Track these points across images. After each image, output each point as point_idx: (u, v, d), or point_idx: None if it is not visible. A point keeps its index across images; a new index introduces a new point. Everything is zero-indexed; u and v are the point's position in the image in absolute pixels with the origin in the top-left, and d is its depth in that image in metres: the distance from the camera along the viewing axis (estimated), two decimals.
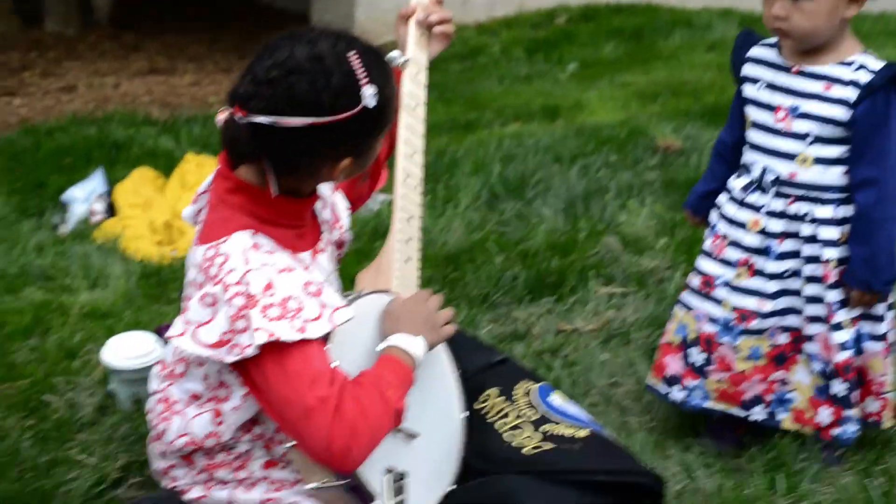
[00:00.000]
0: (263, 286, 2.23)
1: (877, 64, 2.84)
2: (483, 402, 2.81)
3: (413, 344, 2.44)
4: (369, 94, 2.28)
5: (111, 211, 4.97)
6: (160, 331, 3.43)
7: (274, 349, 2.23)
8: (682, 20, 8.20)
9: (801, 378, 3.01)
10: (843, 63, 2.86)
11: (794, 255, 2.94)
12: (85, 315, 3.81)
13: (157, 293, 4.07)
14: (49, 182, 5.34)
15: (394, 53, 2.75)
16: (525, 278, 4.02)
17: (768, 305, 2.97)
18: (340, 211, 2.68)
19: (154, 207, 4.92)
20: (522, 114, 6.33)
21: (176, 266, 4.40)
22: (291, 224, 2.43)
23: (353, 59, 2.29)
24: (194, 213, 2.57)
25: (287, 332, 2.21)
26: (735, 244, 3.00)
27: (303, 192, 2.42)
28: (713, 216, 3.08)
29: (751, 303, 2.98)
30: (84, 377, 3.39)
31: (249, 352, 2.22)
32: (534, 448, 2.66)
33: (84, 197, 4.99)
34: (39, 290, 4.06)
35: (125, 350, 3.24)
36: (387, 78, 2.36)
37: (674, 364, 3.11)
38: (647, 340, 3.63)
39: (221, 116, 2.31)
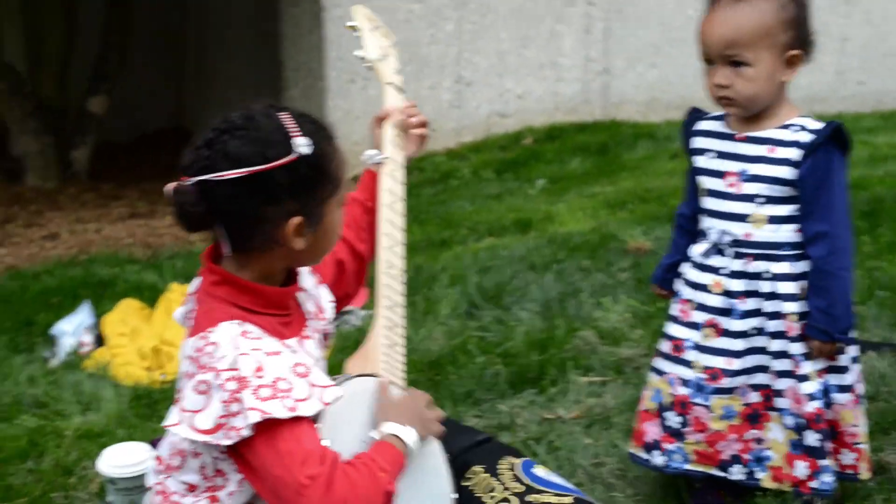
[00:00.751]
0: (254, 369, 2.32)
1: (816, 124, 3.00)
2: (469, 478, 2.89)
3: (405, 432, 2.51)
4: (301, 143, 2.38)
5: (99, 341, 5.05)
6: (154, 443, 3.51)
7: (266, 429, 2.30)
8: (645, 133, 8.40)
9: (775, 435, 3.10)
10: (784, 126, 3.02)
11: (757, 312, 3.06)
12: (80, 436, 3.87)
13: (148, 413, 4.15)
14: (37, 320, 5.41)
15: (371, 151, 2.91)
16: (506, 374, 4.12)
17: (736, 363, 3.07)
18: (324, 304, 2.76)
19: (141, 335, 5.02)
20: (495, 229, 6.47)
21: (166, 388, 4.49)
22: (276, 312, 2.51)
23: (284, 116, 2.42)
24: (184, 313, 2.66)
25: (279, 410, 2.29)
26: (700, 306, 3.11)
27: (275, 272, 2.50)
28: (678, 284, 3.21)
29: (719, 361, 3.08)
30: (81, 491, 3.45)
31: (244, 433, 2.30)
32: None
33: (72, 330, 5.08)
34: (33, 416, 4.13)
35: (120, 459, 3.30)
36: (322, 136, 2.44)
37: (652, 430, 3.20)
38: (628, 423, 3.71)
39: (170, 187, 2.41)
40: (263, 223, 2.41)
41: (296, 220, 2.40)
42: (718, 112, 3.16)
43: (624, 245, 5.61)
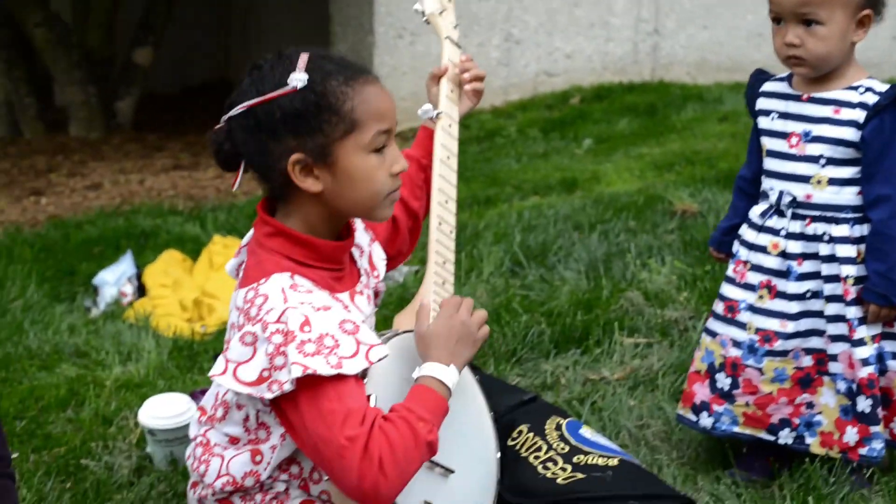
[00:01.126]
0: (300, 323, 2.28)
1: (882, 86, 2.96)
2: (515, 438, 2.86)
3: (446, 373, 2.46)
4: (296, 78, 2.37)
5: (141, 292, 5.05)
6: (194, 395, 3.49)
7: (309, 386, 2.27)
8: (694, 95, 8.30)
9: (826, 400, 3.05)
10: (850, 87, 2.97)
11: (814, 275, 3.01)
12: (119, 386, 3.86)
13: (188, 364, 4.13)
14: (79, 269, 5.42)
15: (426, 106, 2.85)
16: (550, 334, 4.06)
17: (790, 326, 3.02)
18: (377, 261, 2.73)
19: (183, 287, 5.00)
20: (541, 188, 6.41)
21: (206, 340, 4.47)
22: (329, 266, 2.48)
23: (300, 56, 2.41)
24: (236, 265, 2.63)
25: (322, 366, 2.26)
26: (756, 268, 3.07)
27: (315, 222, 2.46)
28: (735, 246, 3.15)
29: (773, 324, 3.03)
30: (121, 441, 3.43)
31: (287, 387, 2.27)
32: (567, 478, 2.70)
33: (114, 280, 5.08)
34: (73, 366, 4.12)
35: (160, 410, 3.29)
36: (336, 75, 2.40)
37: (702, 391, 3.16)
38: (673, 386, 3.66)
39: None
40: (272, 161, 2.40)
41: (295, 156, 2.38)
42: (783, 73, 3.11)
43: (671, 207, 5.53)
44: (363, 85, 2.42)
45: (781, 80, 3.11)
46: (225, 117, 2.43)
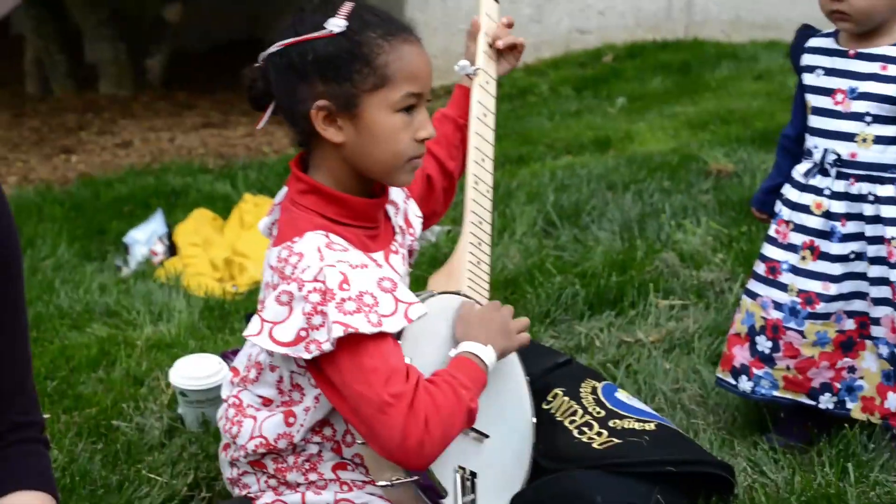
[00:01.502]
0: (339, 282, 2.25)
1: None
2: (550, 401, 2.82)
3: (485, 351, 2.45)
4: (334, 23, 2.33)
5: (172, 251, 5.03)
6: (225, 356, 3.47)
7: (350, 344, 2.24)
8: (728, 53, 8.22)
9: (869, 365, 3.00)
10: None
11: (858, 236, 2.95)
12: (150, 346, 3.84)
13: (220, 325, 4.11)
14: (110, 228, 5.41)
15: (463, 62, 2.80)
16: (584, 295, 4.01)
17: (833, 288, 2.97)
18: (413, 219, 2.69)
19: (214, 246, 4.98)
20: (574, 147, 6.35)
21: (238, 300, 4.45)
22: (363, 224, 2.45)
23: (343, 4, 2.38)
24: (269, 224, 2.59)
25: (364, 325, 2.22)
26: (799, 228, 3.01)
27: (341, 176, 2.42)
28: (777, 205, 3.10)
29: (815, 286, 2.98)
30: (152, 402, 3.42)
31: (326, 347, 2.24)
32: (603, 443, 2.66)
33: (145, 239, 5.06)
34: (104, 325, 4.11)
35: (192, 371, 3.27)
36: (374, 27, 2.37)
37: (741, 354, 3.11)
38: (710, 349, 3.62)
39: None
40: (299, 104, 2.36)
41: (320, 101, 2.34)
42: (830, 30, 3.04)
43: (705, 166, 5.47)
44: (401, 42, 2.38)
45: (828, 35, 3.04)
46: (262, 55, 2.40)
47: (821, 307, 2.98)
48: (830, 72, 2.99)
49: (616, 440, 2.67)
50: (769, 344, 3.05)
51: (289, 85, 2.37)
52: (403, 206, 2.66)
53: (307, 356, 2.27)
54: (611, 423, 2.72)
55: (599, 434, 2.69)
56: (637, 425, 2.71)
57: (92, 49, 9.16)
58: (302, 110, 2.36)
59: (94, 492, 2.91)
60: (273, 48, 2.38)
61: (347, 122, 2.36)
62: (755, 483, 2.86)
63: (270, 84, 2.40)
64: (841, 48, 2.98)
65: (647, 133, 6.46)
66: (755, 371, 3.08)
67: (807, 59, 3.05)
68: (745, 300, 3.13)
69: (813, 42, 3.06)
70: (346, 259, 2.29)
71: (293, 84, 2.36)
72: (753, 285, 3.11)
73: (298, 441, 2.46)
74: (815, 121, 3.01)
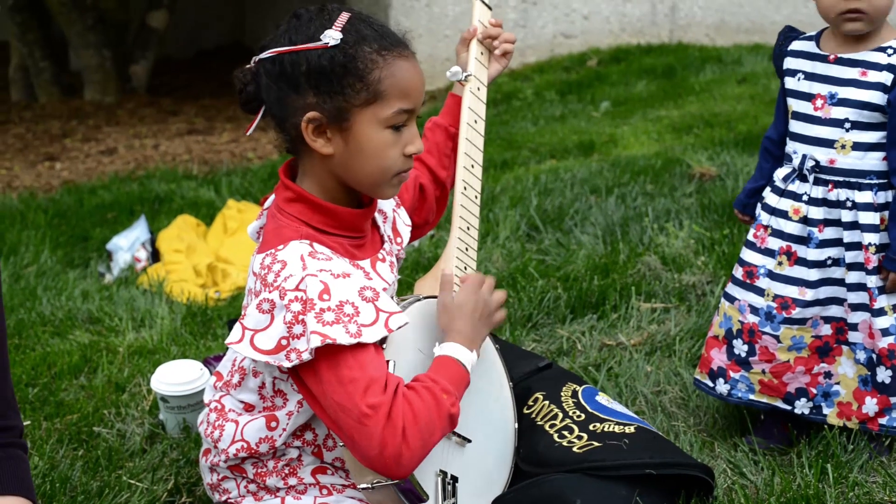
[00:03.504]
0: (319, 291, 2.24)
1: None
2: (531, 406, 2.83)
3: (467, 356, 2.43)
4: (329, 35, 2.31)
5: (155, 258, 5.02)
6: (208, 362, 3.47)
7: (329, 354, 2.23)
8: (713, 57, 8.23)
9: (845, 370, 3.00)
10: (879, 49, 2.89)
11: (835, 242, 2.95)
12: (132, 353, 3.83)
13: (202, 331, 4.10)
14: (93, 235, 5.40)
15: (455, 69, 2.80)
16: (567, 299, 4.02)
17: (809, 294, 2.96)
18: (401, 228, 2.69)
19: (197, 252, 4.98)
20: (558, 151, 6.36)
21: (220, 306, 4.44)
22: (349, 234, 2.44)
23: (340, 13, 2.37)
24: (257, 228, 2.59)
25: (342, 336, 2.22)
26: (777, 233, 3.01)
27: (328, 185, 2.41)
28: (757, 209, 3.10)
29: (791, 291, 2.97)
30: (133, 408, 3.41)
31: (306, 356, 2.23)
32: (583, 446, 2.66)
33: (128, 245, 5.05)
34: (86, 332, 4.10)
35: (173, 377, 3.26)
36: (370, 41, 2.35)
37: (719, 357, 3.11)
38: (691, 351, 3.62)
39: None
40: (289, 113, 2.36)
41: (311, 113, 2.32)
42: (813, 32, 3.03)
43: (689, 170, 5.48)
44: (396, 58, 2.36)
45: (810, 38, 3.03)
46: (255, 59, 2.39)
47: (797, 312, 2.98)
48: (811, 76, 2.97)
49: (596, 443, 2.67)
50: (745, 347, 3.06)
51: (280, 93, 2.36)
52: (392, 215, 2.66)
53: (288, 364, 2.27)
54: (591, 427, 2.72)
55: (580, 437, 2.69)
56: (617, 428, 2.72)
57: (77, 56, 9.17)
58: (292, 119, 2.36)
59: (75, 498, 2.90)
60: (266, 54, 2.36)
61: (337, 134, 2.35)
62: (735, 484, 2.86)
63: (261, 89, 2.39)
64: (821, 52, 2.97)
65: (631, 137, 6.47)
66: (732, 374, 3.09)
67: (789, 63, 3.04)
68: (724, 303, 3.13)
69: (795, 45, 3.04)
70: (328, 268, 2.29)
71: (284, 92, 2.35)
72: (732, 289, 3.11)
73: (280, 445, 2.46)
74: (795, 126, 3.00)
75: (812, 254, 2.96)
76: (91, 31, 8.86)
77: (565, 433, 2.72)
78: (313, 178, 2.42)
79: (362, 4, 8.23)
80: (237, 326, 2.34)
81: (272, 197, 2.52)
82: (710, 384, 3.13)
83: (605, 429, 2.71)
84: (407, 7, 7.92)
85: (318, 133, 2.35)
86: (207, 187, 6.16)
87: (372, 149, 2.36)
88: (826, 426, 3.04)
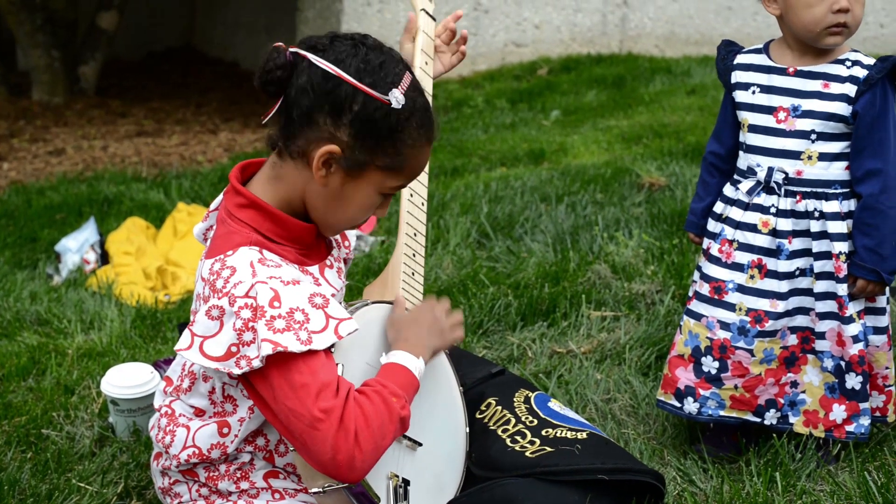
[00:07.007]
0: (270, 298, 2.24)
1: (868, 59, 2.92)
2: (483, 411, 2.84)
3: (415, 363, 2.45)
4: (396, 95, 2.30)
5: (104, 260, 4.99)
6: (158, 365, 3.45)
7: (280, 361, 2.23)
8: (662, 68, 8.29)
9: (811, 379, 3.03)
10: (836, 61, 2.93)
11: (804, 253, 2.98)
12: (81, 355, 3.81)
13: (152, 334, 4.09)
14: (41, 236, 5.36)
15: None
16: (517, 306, 4.04)
17: (780, 306, 2.99)
18: (348, 232, 2.70)
19: (146, 255, 4.95)
20: (508, 159, 6.39)
21: (170, 309, 4.43)
22: (298, 242, 2.44)
23: (406, 73, 2.34)
24: (204, 230, 2.59)
25: (293, 343, 2.22)
26: (745, 247, 3.02)
27: (294, 199, 2.40)
28: (714, 225, 3.10)
29: (764, 304, 2.99)
30: (82, 411, 3.39)
31: (256, 364, 2.23)
32: (535, 451, 2.68)
33: (77, 247, 5.02)
34: (35, 334, 4.07)
35: (123, 380, 3.24)
36: (420, 121, 2.34)
37: (685, 376, 3.10)
38: (641, 360, 3.65)
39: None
40: (313, 129, 2.31)
41: (334, 147, 2.30)
42: (758, 45, 3.06)
43: (638, 179, 5.53)
44: (425, 143, 2.38)
45: (758, 51, 3.05)
46: (307, 55, 2.32)
47: (769, 325, 2.99)
48: (768, 89, 2.99)
49: (548, 448, 2.68)
50: (716, 364, 3.05)
51: (316, 107, 2.32)
52: None
53: (238, 371, 2.26)
54: (543, 432, 2.74)
55: (532, 443, 2.71)
56: (569, 434, 2.73)
57: (25, 55, 9.10)
58: (312, 135, 2.33)
59: (24, 501, 2.88)
60: (327, 65, 2.30)
61: (340, 175, 2.35)
62: (684, 492, 2.89)
63: (293, 84, 2.33)
64: (778, 65, 3.00)
65: (581, 146, 6.51)
66: (702, 392, 3.08)
67: (739, 76, 3.06)
68: (688, 321, 3.11)
69: (743, 59, 3.07)
70: (278, 275, 2.28)
71: (321, 110, 2.31)
72: (697, 306, 3.10)
73: (232, 451, 2.46)
74: (754, 139, 3.02)
75: (783, 265, 2.98)
76: (40, 31, 8.79)
77: (518, 438, 2.73)
78: (281, 184, 2.40)
79: (315, 10, 8.23)
80: (186, 332, 2.33)
81: (219, 198, 2.51)
82: (677, 404, 3.12)
83: (558, 434, 2.73)
84: (359, 13, 7.92)
85: (326, 165, 2.34)
86: (157, 190, 6.12)
87: (357, 203, 2.39)
88: (776, 434, 3.07)
